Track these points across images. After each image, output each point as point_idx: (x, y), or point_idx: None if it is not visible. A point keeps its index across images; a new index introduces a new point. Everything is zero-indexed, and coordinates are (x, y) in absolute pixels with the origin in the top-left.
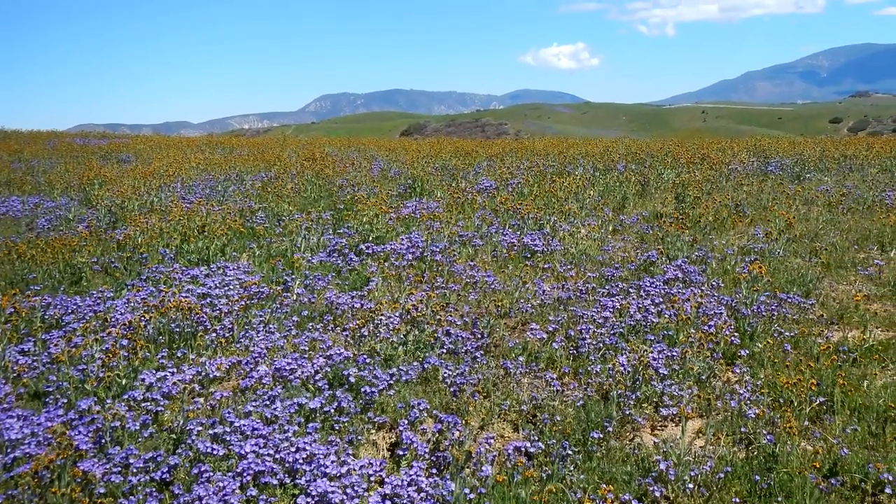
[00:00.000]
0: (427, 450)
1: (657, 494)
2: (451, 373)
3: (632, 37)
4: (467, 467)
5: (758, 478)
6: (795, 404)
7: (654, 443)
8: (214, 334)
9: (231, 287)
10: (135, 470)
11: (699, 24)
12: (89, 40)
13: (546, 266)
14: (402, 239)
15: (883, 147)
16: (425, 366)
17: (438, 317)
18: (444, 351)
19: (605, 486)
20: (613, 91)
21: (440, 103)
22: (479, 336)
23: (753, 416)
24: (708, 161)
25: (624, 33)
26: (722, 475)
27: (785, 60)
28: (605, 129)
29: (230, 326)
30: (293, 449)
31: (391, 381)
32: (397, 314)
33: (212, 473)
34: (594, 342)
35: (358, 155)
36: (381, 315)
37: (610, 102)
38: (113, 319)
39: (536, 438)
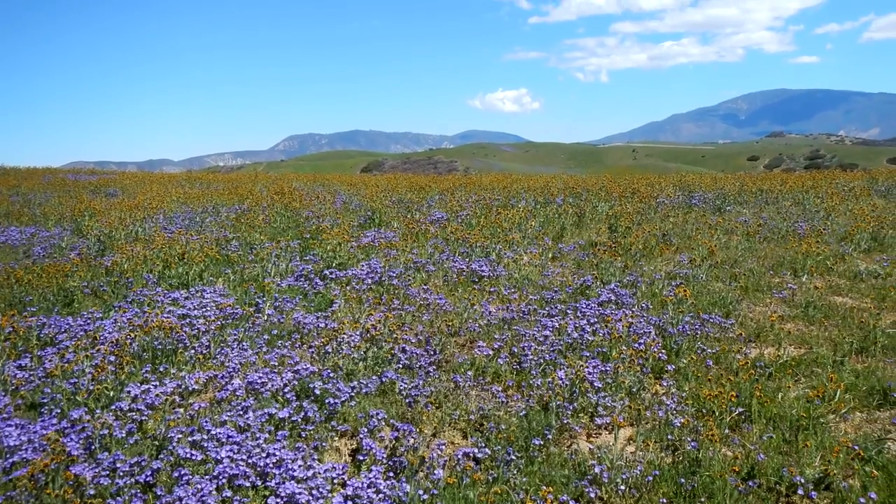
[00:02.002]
0: (385, 455)
1: (592, 495)
2: (406, 386)
3: (570, 83)
4: (421, 471)
5: (683, 480)
6: (717, 414)
7: (590, 449)
8: (193, 351)
9: (208, 308)
10: (121, 473)
11: (630, 71)
12: (81, 85)
13: (492, 290)
14: (363, 265)
15: (795, 182)
16: (383, 379)
17: (395, 335)
18: (401, 366)
19: (545, 487)
20: (553, 132)
21: (397, 143)
22: (432, 353)
23: (679, 424)
24: (638, 195)
25: (562, 80)
26: (651, 478)
27: (708, 104)
28: (546, 166)
29: (207, 344)
30: (264, 454)
31: (352, 394)
32: (358, 333)
33: (191, 476)
34: (535, 358)
35: (323, 189)
36: (344, 334)
37: (550, 142)
38: (101, 338)
39: (483, 445)
